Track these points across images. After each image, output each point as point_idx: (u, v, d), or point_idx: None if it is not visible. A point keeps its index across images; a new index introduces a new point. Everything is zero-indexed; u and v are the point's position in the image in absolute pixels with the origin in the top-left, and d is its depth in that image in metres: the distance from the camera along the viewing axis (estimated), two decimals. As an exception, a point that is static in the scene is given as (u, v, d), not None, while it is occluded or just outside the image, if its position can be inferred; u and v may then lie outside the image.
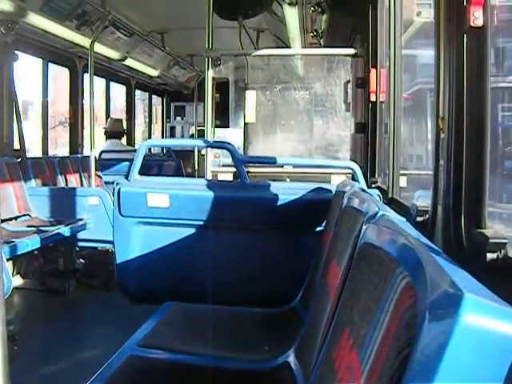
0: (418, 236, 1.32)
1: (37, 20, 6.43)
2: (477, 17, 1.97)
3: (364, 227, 1.63)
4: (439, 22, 2.22)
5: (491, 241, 1.85)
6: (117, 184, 3.56)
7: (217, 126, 8.96)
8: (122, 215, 3.54)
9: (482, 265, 1.86)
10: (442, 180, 2.25)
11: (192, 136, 13.21)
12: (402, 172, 4.19)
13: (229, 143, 3.62)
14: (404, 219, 1.59)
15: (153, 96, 13.27)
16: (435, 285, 0.93)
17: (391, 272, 1.18)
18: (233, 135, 8.58)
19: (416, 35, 5.05)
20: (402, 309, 1.03)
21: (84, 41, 7.32)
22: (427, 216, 2.57)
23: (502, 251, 1.85)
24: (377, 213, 1.66)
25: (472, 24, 1.97)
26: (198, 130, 12.30)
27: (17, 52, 6.83)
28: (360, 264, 1.53)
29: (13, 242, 4.92)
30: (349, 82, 5.52)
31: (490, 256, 1.84)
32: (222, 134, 9.56)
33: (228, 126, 8.46)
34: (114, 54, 8.77)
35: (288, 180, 4.67)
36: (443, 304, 0.85)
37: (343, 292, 1.66)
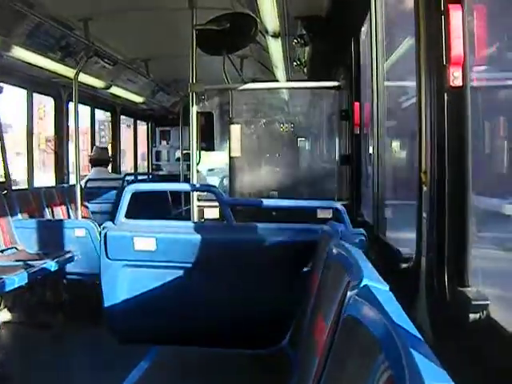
0: (403, 318, 1.34)
1: (21, 53, 6.45)
2: (456, 76, 2.01)
3: (348, 294, 1.65)
4: (420, 80, 2.26)
5: (473, 303, 1.88)
6: (103, 228, 3.57)
7: (202, 149, 9.00)
8: (109, 258, 3.55)
9: (464, 324, 1.89)
10: (424, 233, 2.29)
11: (178, 160, 13.22)
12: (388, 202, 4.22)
13: (214, 186, 3.64)
14: (387, 289, 1.61)
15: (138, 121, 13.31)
16: None
17: (374, 357, 1.20)
18: (218, 157, 8.61)
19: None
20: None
21: (68, 71, 7.34)
22: (411, 264, 2.60)
23: (485, 312, 1.88)
24: (360, 279, 1.68)
25: (452, 84, 2.01)
26: (184, 154, 12.32)
27: (1, 84, 6.84)
28: (344, 334, 1.55)
29: (0, 277, 4.91)
30: (333, 114, 5.57)
31: (472, 317, 1.87)
32: (207, 158, 9.60)
33: (213, 149, 8.50)
34: (98, 83, 8.80)
35: (274, 213, 4.69)
36: None
37: (330, 355, 1.68)
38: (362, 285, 1.62)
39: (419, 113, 2.28)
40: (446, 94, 2.06)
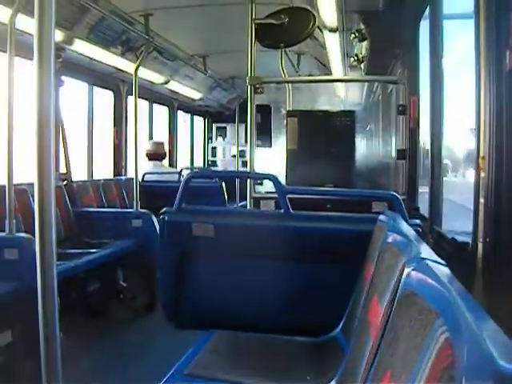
0: (460, 288, 1.35)
1: (83, 47, 6.61)
2: (516, 61, 2.01)
3: (405, 271, 1.67)
4: (480, 64, 2.26)
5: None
6: (163, 213, 3.65)
7: (258, 146, 9.04)
8: (167, 244, 3.63)
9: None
10: (481, 218, 2.29)
11: (234, 156, 13.33)
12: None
13: (272, 175, 3.67)
14: (444, 265, 1.63)
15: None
16: (473, 349, 0.97)
17: (431, 323, 1.23)
18: (273, 155, 8.63)
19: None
20: (440, 366, 1.07)
21: (128, 66, 7.49)
22: (467, 250, 2.59)
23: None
24: (417, 256, 1.70)
25: (510, 67, 2.02)
26: (240, 150, 12.42)
27: (63, 77, 7.00)
28: (401, 309, 1.57)
29: (60, 264, 5.03)
30: (389, 109, 5.56)
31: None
32: (263, 154, 9.64)
33: (270, 146, 8.55)
34: (157, 78, 8.94)
35: (328, 206, 4.70)
36: (480, 373, 0.89)
37: (385, 334, 1.70)
38: (418, 260, 1.64)
39: (478, 97, 2.29)
40: (504, 78, 2.06)
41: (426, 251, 1.80)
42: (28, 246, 3.93)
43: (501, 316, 2.09)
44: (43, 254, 1.83)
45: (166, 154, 9.97)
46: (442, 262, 1.66)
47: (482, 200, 2.31)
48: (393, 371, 1.42)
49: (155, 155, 9.55)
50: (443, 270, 1.54)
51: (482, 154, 2.27)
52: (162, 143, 9.91)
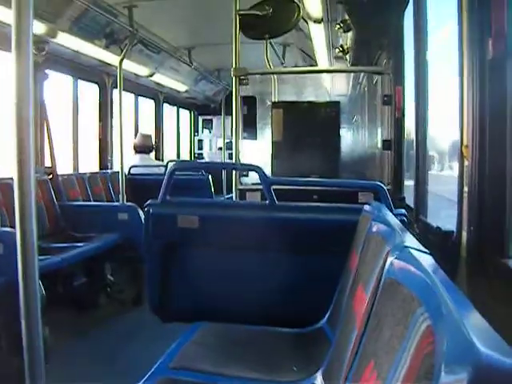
0: (442, 276, 1.35)
1: (67, 40, 6.57)
2: (498, 48, 2.01)
3: (389, 259, 1.67)
4: (463, 52, 2.26)
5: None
6: (147, 205, 3.64)
7: (244, 138, 9.02)
8: (153, 236, 3.62)
9: (506, 294, 1.89)
10: (465, 206, 2.29)
11: (220, 149, 13.33)
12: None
13: (257, 166, 3.67)
14: (428, 253, 1.63)
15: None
16: (454, 336, 0.97)
17: (413, 311, 1.23)
18: (259, 146, 8.63)
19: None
20: (422, 353, 1.07)
21: (113, 58, 7.45)
22: (452, 238, 2.60)
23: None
24: (401, 245, 1.70)
25: (493, 56, 2.02)
26: (227, 143, 12.42)
27: (47, 71, 6.96)
28: (384, 297, 1.57)
29: (46, 258, 5.01)
30: (375, 99, 5.56)
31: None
32: (249, 146, 9.63)
33: (256, 138, 8.54)
34: (142, 71, 8.91)
35: (315, 197, 4.70)
36: (459, 360, 0.89)
37: (369, 322, 1.70)
38: (402, 248, 1.64)
39: (461, 86, 2.29)
40: (487, 67, 2.06)
41: (409, 240, 1.80)
42: (13, 240, 3.90)
43: (484, 303, 2.10)
44: (24, 248, 1.82)
45: (153, 146, 9.94)
46: (425, 250, 1.67)
47: (465, 188, 2.31)
48: (376, 360, 1.42)
49: (142, 147, 9.52)
50: (426, 259, 1.54)
51: (465, 143, 2.27)
52: (150, 136, 9.88)
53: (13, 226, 4.18)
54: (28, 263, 1.81)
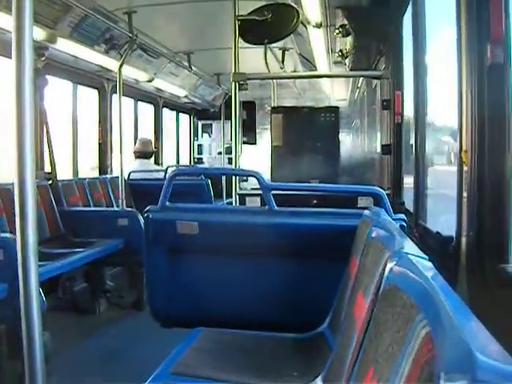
0: (441, 282, 1.35)
1: (67, 46, 6.57)
2: (496, 54, 2.02)
3: (388, 265, 1.67)
4: (461, 57, 2.27)
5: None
6: (146, 211, 3.64)
7: (244, 143, 9.03)
8: (152, 242, 3.62)
9: (505, 299, 1.89)
10: (465, 212, 2.29)
11: (220, 153, 13.33)
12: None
13: (256, 172, 3.67)
14: (427, 259, 1.63)
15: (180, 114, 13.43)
16: (453, 344, 0.97)
17: (412, 318, 1.23)
18: (262, 151, 8.64)
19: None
20: (421, 361, 1.07)
21: (112, 64, 7.46)
22: (451, 244, 2.60)
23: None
24: (401, 251, 1.70)
25: (492, 61, 2.02)
26: (226, 147, 12.43)
27: (47, 76, 6.96)
28: (384, 304, 1.57)
29: (46, 264, 5.01)
30: (374, 104, 5.57)
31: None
32: (248, 151, 9.64)
33: (255, 143, 8.54)
34: (141, 76, 8.91)
35: (314, 201, 4.70)
36: (458, 368, 0.89)
37: (368, 328, 1.71)
38: (401, 255, 1.64)
39: (459, 91, 2.29)
40: (486, 72, 2.07)
41: (409, 246, 1.80)
42: (13, 246, 3.90)
43: (483, 309, 2.10)
44: (24, 254, 1.82)
45: (153, 151, 9.94)
46: (425, 256, 1.67)
47: (465, 194, 2.31)
48: (376, 366, 1.42)
49: (142, 153, 9.51)
50: (425, 265, 1.54)
51: (464, 148, 2.28)
52: (150, 141, 9.88)
53: (13, 232, 4.20)
54: (28, 269, 1.81)
